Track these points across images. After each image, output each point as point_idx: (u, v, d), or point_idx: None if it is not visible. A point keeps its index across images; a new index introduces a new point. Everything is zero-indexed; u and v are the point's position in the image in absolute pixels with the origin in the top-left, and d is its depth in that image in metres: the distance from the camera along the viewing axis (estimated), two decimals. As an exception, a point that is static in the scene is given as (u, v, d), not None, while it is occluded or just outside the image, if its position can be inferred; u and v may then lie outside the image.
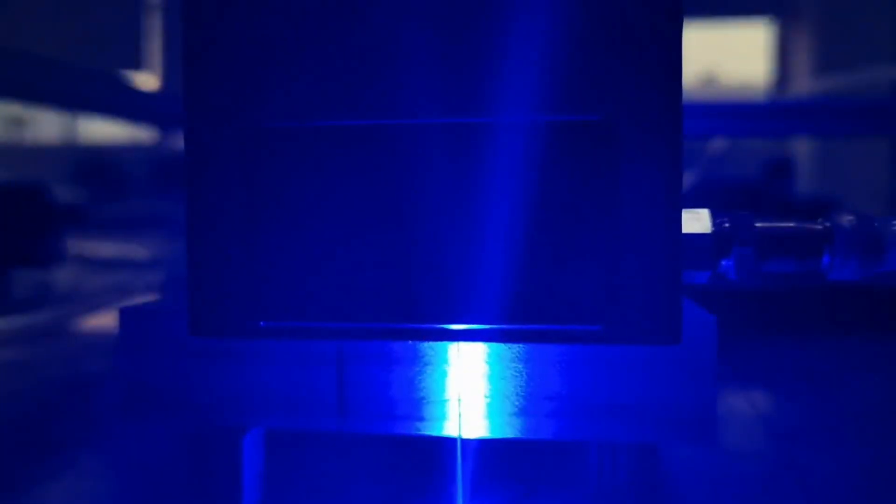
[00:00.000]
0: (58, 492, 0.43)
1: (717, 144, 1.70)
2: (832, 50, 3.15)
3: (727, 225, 0.37)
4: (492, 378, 0.38)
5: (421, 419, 0.39)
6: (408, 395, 0.39)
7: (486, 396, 0.39)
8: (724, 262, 0.37)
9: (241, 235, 0.34)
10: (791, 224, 0.37)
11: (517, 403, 0.38)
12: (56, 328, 0.94)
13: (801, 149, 3.31)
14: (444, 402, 0.39)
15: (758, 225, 0.37)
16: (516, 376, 0.38)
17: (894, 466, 0.47)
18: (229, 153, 0.34)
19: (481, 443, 0.44)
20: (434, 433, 0.39)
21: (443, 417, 0.39)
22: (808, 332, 0.88)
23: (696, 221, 0.36)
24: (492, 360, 0.38)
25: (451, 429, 0.39)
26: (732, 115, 1.28)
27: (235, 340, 0.38)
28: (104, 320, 0.98)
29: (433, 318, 0.33)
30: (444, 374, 0.38)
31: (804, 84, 3.21)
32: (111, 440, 0.51)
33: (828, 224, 0.37)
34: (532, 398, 0.38)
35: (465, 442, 0.41)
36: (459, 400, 0.39)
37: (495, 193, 0.32)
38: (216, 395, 0.40)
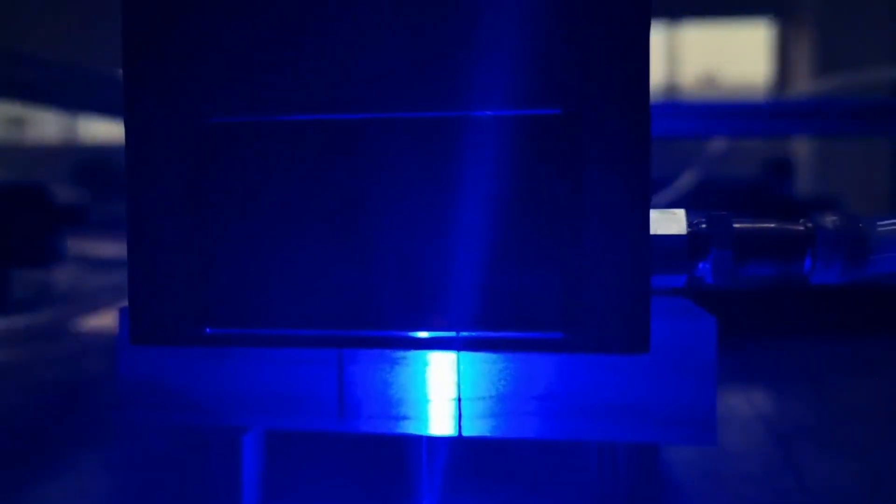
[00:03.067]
0: (58, 492, 0.43)
1: (717, 144, 1.70)
2: (832, 50, 3.15)
3: (704, 226, 0.35)
4: (491, 378, 0.38)
5: (420, 419, 0.39)
6: (407, 395, 0.39)
7: (485, 396, 0.38)
8: (700, 265, 0.35)
9: (185, 237, 0.32)
10: (772, 225, 0.35)
11: (516, 403, 0.38)
12: (56, 328, 0.94)
13: (801, 149, 3.31)
14: (443, 402, 0.39)
15: (736, 226, 0.35)
16: (515, 376, 0.38)
17: (893, 466, 0.47)
18: (172, 150, 0.32)
19: (481, 442, 0.44)
20: (433, 433, 0.39)
21: (442, 418, 0.39)
22: (808, 332, 0.88)
23: (671, 222, 0.35)
24: (491, 360, 0.38)
25: (449, 429, 0.39)
26: (732, 115, 1.27)
27: (178, 348, 0.36)
28: (104, 320, 0.98)
29: (392, 325, 0.31)
30: (443, 375, 0.38)
31: (804, 84, 3.21)
32: (111, 440, 0.51)
33: (810, 225, 0.35)
34: (531, 398, 0.38)
35: (464, 441, 0.41)
36: (459, 400, 0.39)
37: (454, 193, 0.31)
38: (216, 395, 0.40)
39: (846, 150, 2.99)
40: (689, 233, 0.35)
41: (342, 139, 0.31)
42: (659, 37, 3.89)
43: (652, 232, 0.34)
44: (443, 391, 0.38)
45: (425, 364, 0.38)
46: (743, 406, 0.60)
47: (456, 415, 0.39)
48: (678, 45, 3.90)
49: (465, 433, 0.39)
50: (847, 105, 1.26)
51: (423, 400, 0.39)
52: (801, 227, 0.35)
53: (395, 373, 0.39)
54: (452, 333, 0.32)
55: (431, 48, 0.31)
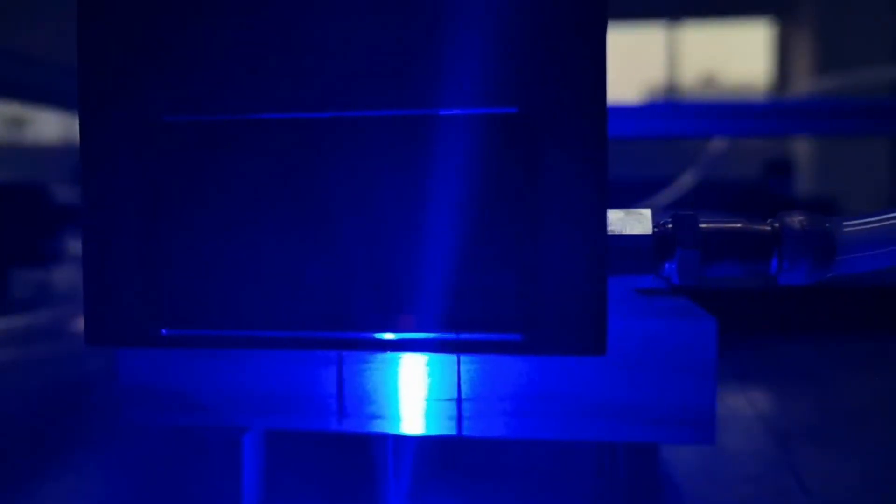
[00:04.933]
0: (57, 492, 0.43)
1: (717, 144, 1.70)
2: (832, 50, 3.16)
3: (670, 226, 0.34)
4: (491, 377, 0.38)
5: (421, 420, 0.39)
6: (407, 395, 0.39)
7: (485, 396, 0.38)
8: (667, 266, 0.34)
9: (140, 237, 0.32)
10: (738, 225, 0.35)
11: (516, 403, 0.38)
12: (56, 328, 0.94)
13: (801, 149, 3.31)
14: (443, 401, 0.39)
15: (702, 226, 0.34)
16: (515, 375, 0.38)
17: (892, 466, 0.47)
18: (127, 149, 0.32)
19: (481, 442, 0.44)
20: (434, 434, 0.39)
21: (443, 418, 0.39)
22: (808, 332, 0.88)
23: (637, 222, 0.34)
24: (491, 360, 0.38)
25: (450, 429, 0.39)
26: (732, 115, 1.27)
27: (133, 349, 0.35)
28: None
29: (351, 326, 0.31)
30: (443, 375, 0.38)
31: (804, 84, 3.21)
32: (110, 440, 0.51)
33: (777, 225, 0.34)
34: (531, 397, 0.38)
35: (463, 441, 0.41)
36: (459, 400, 0.39)
37: (410, 192, 0.30)
38: (216, 395, 0.40)
39: (846, 150, 2.99)
40: (654, 233, 0.34)
41: (299, 138, 0.31)
42: (659, 37, 3.89)
43: (618, 232, 0.34)
44: (443, 391, 0.38)
45: (425, 364, 0.38)
46: (742, 406, 0.60)
47: (456, 415, 0.39)
48: (678, 45, 3.91)
49: (465, 433, 0.39)
50: (847, 105, 1.26)
51: (424, 400, 0.39)
52: (768, 228, 0.34)
53: (394, 373, 0.39)
54: (412, 335, 0.31)
55: (389, 47, 0.30)
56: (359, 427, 0.39)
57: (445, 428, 0.39)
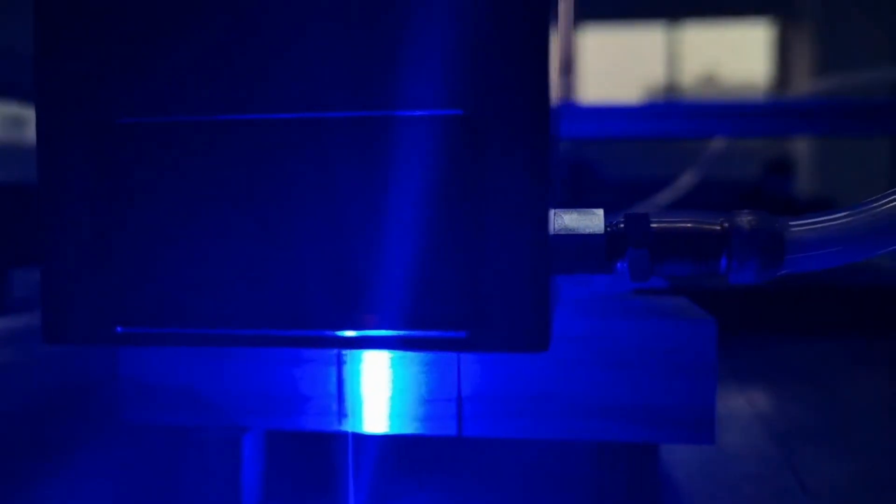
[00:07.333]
0: (57, 492, 0.43)
1: (717, 144, 1.70)
2: (832, 50, 3.15)
3: (622, 225, 0.35)
4: (491, 377, 0.38)
5: (421, 419, 0.39)
6: (407, 395, 0.39)
7: (485, 396, 0.38)
8: (619, 265, 0.35)
9: (95, 236, 0.32)
10: (688, 224, 0.35)
11: (516, 403, 0.38)
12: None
13: (801, 149, 3.32)
14: (444, 401, 0.39)
15: (654, 225, 0.35)
16: (515, 375, 0.38)
17: (892, 466, 0.47)
18: (82, 151, 0.32)
19: (481, 442, 0.44)
20: (433, 433, 0.39)
21: (442, 417, 0.39)
22: (808, 332, 0.88)
23: (589, 222, 0.35)
24: (490, 360, 0.38)
25: (449, 428, 0.39)
26: (732, 115, 1.27)
27: (90, 347, 0.36)
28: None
29: (301, 324, 0.32)
30: (443, 374, 0.38)
31: (804, 84, 3.21)
32: (111, 440, 0.51)
33: (726, 224, 0.35)
34: (531, 398, 0.38)
35: (462, 441, 0.41)
36: (459, 399, 0.39)
37: (356, 193, 0.31)
38: (216, 395, 0.40)
39: (846, 150, 2.99)
40: (606, 232, 0.35)
41: (252, 139, 0.31)
42: (659, 37, 3.90)
43: (570, 231, 0.34)
44: (443, 391, 0.39)
45: (425, 364, 0.38)
46: (742, 406, 0.60)
47: (456, 414, 0.39)
48: (678, 45, 3.91)
49: (465, 433, 0.39)
50: (847, 105, 1.26)
51: (424, 400, 0.39)
52: (718, 227, 0.35)
53: (394, 373, 0.39)
54: (359, 333, 0.32)
55: (339, 51, 0.31)
56: (357, 427, 0.39)
57: (445, 428, 0.39)
